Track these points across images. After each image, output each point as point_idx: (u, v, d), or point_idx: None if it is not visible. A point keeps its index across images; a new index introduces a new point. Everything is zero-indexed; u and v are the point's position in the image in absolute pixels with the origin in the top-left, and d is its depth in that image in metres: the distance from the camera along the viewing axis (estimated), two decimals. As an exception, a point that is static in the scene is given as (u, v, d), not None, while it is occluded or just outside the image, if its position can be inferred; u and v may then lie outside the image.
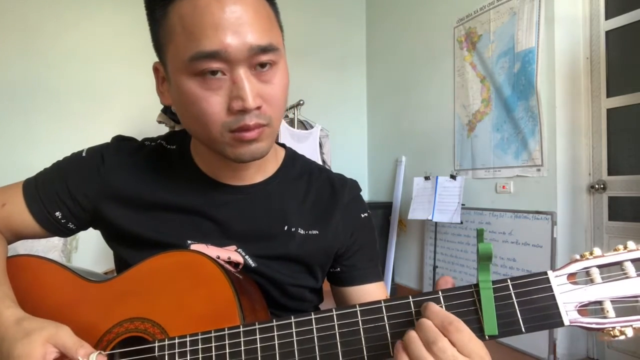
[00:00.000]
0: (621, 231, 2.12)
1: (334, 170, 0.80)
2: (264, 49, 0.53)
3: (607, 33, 2.19)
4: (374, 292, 0.72)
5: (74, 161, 0.68)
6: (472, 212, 2.72)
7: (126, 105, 3.13)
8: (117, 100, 3.10)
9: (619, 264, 0.42)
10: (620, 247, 0.42)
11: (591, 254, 0.43)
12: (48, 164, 0.69)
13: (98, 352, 0.49)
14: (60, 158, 0.69)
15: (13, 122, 2.88)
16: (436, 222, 2.83)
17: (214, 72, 0.52)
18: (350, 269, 0.72)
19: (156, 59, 0.61)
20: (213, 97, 0.53)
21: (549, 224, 2.23)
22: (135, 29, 2.99)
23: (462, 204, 2.66)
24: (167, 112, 2.70)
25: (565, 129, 2.26)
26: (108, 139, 0.72)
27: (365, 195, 3.85)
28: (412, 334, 0.43)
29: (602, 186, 2.19)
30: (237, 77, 0.52)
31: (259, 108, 0.54)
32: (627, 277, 0.41)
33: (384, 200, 3.67)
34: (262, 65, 0.54)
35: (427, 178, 2.88)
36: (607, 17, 2.19)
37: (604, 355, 2.18)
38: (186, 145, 0.69)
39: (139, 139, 0.73)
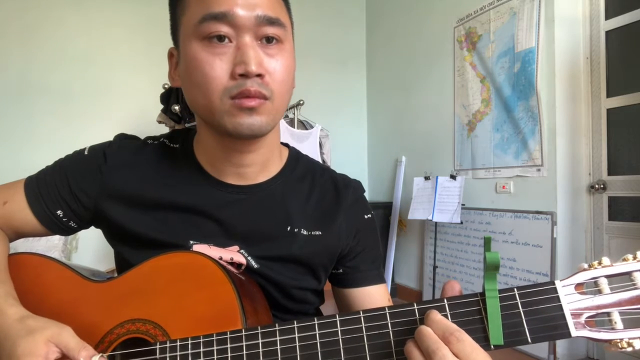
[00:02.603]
0: (621, 231, 2.12)
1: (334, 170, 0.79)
2: (271, 21, 0.55)
3: (607, 33, 2.19)
4: (376, 294, 0.72)
5: (76, 159, 0.67)
6: (472, 212, 2.72)
7: (127, 105, 3.14)
8: (117, 100, 3.11)
9: (628, 274, 0.41)
10: (630, 257, 0.41)
11: (599, 263, 0.42)
12: (50, 163, 0.69)
13: (100, 354, 0.49)
14: (62, 156, 0.69)
15: (16, 121, 2.88)
16: (436, 222, 2.83)
17: (220, 38, 0.54)
18: (353, 270, 0.72)
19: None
20: (217, 62, 0.54)
21: (549, 224, 2.23)
22: (136, 30, 3.00)
23: (462, 204, 2.66)
24: (167, 112, 2.69)
25: (565, 129, 2.26)
26: (109, 138, 0.71)
27: (366, 195, 3.84)
28: (412, 342, 0.43)
29: (602, 186, 2.19)
30: (242, 43, 0.54)
31: (261, 77, 0.55)
32: (636, 288, 0.40)
33: (384, 200, 3.67)
34: (269, 39, 0.56)
35: (427, 178, 2.88)
36: (607, 17, 2.19)
37: (604, 355, 2.18)
38: (189, 144, 0.68)
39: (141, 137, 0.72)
